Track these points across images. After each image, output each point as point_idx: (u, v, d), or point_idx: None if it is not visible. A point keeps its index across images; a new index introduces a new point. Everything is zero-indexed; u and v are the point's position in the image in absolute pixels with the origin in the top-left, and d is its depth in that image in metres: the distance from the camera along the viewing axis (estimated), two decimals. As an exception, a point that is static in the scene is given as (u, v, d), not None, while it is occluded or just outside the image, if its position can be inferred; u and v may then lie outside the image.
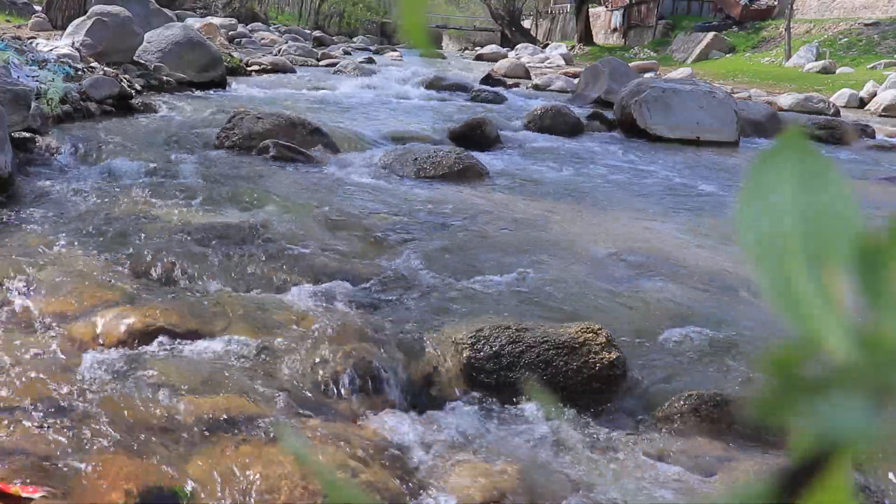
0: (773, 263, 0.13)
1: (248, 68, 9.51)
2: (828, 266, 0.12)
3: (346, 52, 16.84)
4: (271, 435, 1.56)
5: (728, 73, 17.91)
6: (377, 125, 5.69)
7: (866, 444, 0.11)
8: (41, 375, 1.70)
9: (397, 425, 1.68)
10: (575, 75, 12.29)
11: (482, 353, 1.90)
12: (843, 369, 0.10)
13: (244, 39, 16.13)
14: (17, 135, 3.84)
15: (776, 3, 23.06)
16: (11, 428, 1.49)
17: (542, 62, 19.71)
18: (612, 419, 1.83)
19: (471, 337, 1.94)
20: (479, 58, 22.28)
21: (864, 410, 0.10)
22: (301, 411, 1.68)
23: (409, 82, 9.49)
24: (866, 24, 18.53)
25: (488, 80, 10.81)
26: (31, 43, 6.07)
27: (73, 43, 6.15)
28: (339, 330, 1.99)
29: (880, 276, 0.12)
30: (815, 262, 0.12)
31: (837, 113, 9.15)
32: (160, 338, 1.93)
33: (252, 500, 1.37)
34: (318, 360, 1.85)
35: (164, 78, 6.72)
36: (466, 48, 36.96)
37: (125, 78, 5.85)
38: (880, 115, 10.07)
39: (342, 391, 1.78)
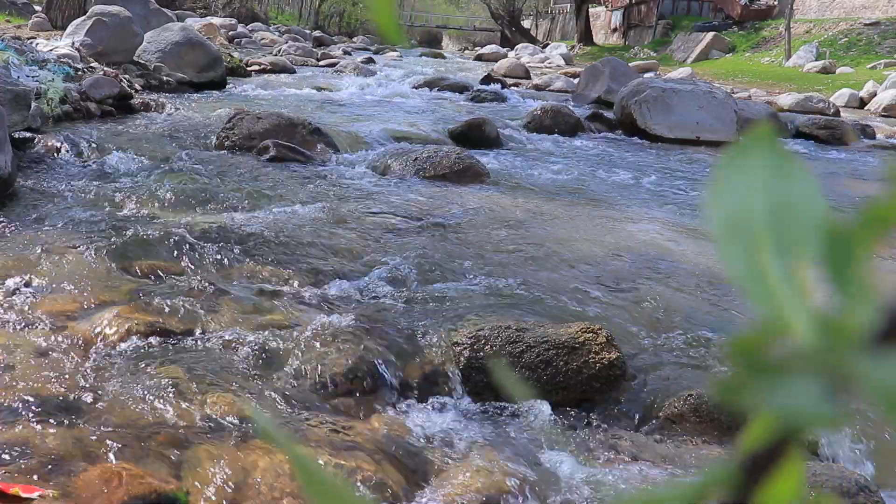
0: (741, 250, 0.13)
1: (248, 68, 9.50)
2: (795, 253, 0.13)
3: (346, 52, 16.83)
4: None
5: (728, 72, 17.91)
6: (377, 125, 5.69)
7: (825, 429, 0.11)
8: (41, 375, 1.70)
9: (396, 424, 1.68)
10: (575, 75, 12.28)
11: (482, 353, 1.90)
12: (805, 354, 0.10)
13: (244, 39, 16.13)
14: (17, 135, 3.84)
15: (776, 3, 23.06)
16: (12, 428, 1.50)
17: (542, 62, 19.71)
18: (612, 419, 1.83)
19: (471, 337, 1.94)
20: (478, 58, 22.26)
21: (823, 395, 0.10)
22: (300, 410, 1.68)
23: (408, 82, 9.49)
24: (866, 24, 18.53)
25: (488, 80, 10.81)
26: (31, 43, 6.07)
27: (73, 43, 6.15)
28: (338, 329, 1.99)
29: (847, 264, 0.13)
30: (783, 250, 0.13)
31: (837, 113, 9.14)
32: (160, 337, 1.93)
33: (252, 501, 1.37)
34: (317, 359, 1.85)
35: (164, 78, 6.72)
36: (466, 48, 36.93)
37: (125, 78, 5.85)
38: (880, 115, 10.06)
39: (341, 390, 1.78)
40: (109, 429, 1.52)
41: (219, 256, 2.57)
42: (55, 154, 3.97)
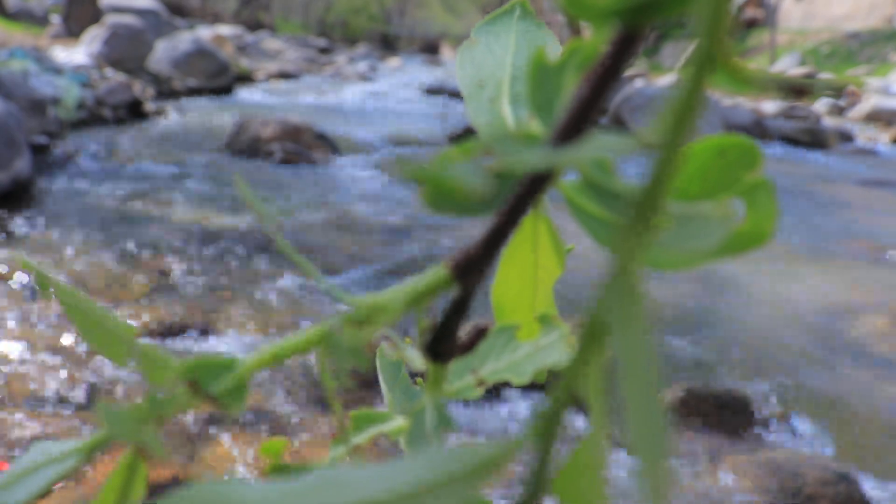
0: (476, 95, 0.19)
1: (256, 75, 9.72)
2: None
3: (350, 60, 17.04)
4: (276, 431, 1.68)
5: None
6: (379, 129, 5.83)
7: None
8: (58, 369, 1.81)
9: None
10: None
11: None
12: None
13: (251, 47, 16.35)
14: (35, 140, 4.02)
15: (761, 15, 23.22)
16: (30, 418, 1.59)
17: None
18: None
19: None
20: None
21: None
22: (306, 404, 1.78)
23: (409, 88, 9.67)
24: (847, 35, 18.69)
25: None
26: (48, 52, 6.29)
27: (89, 52, 6.37)
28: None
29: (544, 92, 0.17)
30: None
31: (819, 119, 9.25)
32: (171, 333, 2.04)
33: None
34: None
35: (175, 85, 6.93)
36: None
37: (138, 85, 6.06)
38: (860, 122, 10.16)
39: (347, 385, 1.91)
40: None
41: (228, 255, 2.71)
42: (71, 158, 4.13)
